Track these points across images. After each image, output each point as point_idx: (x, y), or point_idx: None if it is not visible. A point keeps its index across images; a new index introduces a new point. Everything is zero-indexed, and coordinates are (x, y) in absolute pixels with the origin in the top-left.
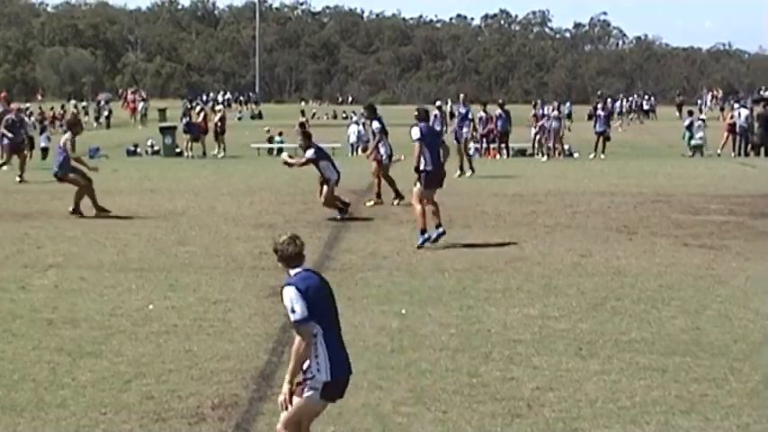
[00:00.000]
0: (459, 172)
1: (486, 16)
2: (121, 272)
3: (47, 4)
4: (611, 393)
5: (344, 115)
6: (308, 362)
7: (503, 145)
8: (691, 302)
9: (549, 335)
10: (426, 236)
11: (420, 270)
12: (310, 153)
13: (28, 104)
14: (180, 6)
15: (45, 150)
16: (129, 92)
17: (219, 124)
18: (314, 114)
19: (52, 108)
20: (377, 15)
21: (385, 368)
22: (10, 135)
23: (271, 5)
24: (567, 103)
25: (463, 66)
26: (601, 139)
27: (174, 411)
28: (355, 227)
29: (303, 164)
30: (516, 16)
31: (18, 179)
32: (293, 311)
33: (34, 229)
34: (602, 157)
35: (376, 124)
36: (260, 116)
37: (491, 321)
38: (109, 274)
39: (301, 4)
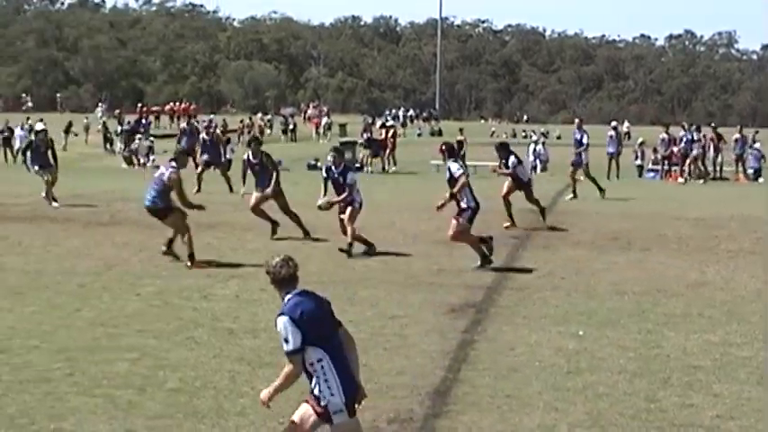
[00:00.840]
0: (571, 195)
1: (670, 36)
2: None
3: (233, 19)
4: None
5: (524, 134)
6: (318, 388)
7: (684, 168)
8: None
9: (730, 362)
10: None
11: (598, 291)
12: (352, 177)
13: (212, 115)
14: (363, 23)
15: (228, 162)
16: (310, 106)
17: (392, 140)
18: (493, 133)
19: (242, 120)
20: (559, 34)
21: (561, 390)
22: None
23: (452, 23)
24: None
25: (645, 86)
26: None
27: None
28: (532, 247)
29: (344, 199)
30: (702, 37)
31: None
32: (286, 341)
33: (217, 239)
34: None
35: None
36: (440, 133)
37: (670, 346)
38: None
39: (483, 21)
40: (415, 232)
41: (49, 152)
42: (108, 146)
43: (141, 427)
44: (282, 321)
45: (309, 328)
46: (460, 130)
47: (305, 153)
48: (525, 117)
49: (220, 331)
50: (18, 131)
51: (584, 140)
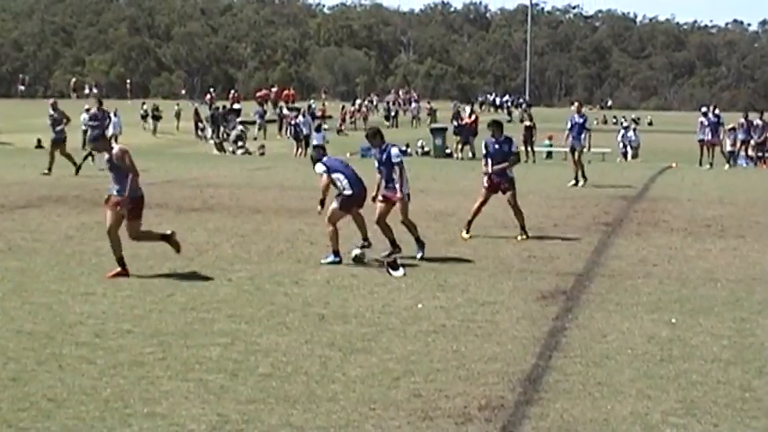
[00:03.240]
0: (573, 182)
1: (764, 22)
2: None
3: (323, 6)
4: None
5: (614, 120)
6: None
7: None
8: None
9: None
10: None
11: (691, 279)
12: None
13: (312, 101)
14: (452, 9)
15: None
16: (400, 93)
17: (474, 127)
18: None
19: (344, 107)
20: (650, 20)
21: (654, 377)
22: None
23: (543, 9)
24: None
25: (738, 72)
26: None
27: (441, 411)
28: (624, 233)
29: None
30: None
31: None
32: None
33: (308, 225)
34: None
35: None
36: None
37: (765, 335)
38: (379, 273)
39: (574, 7)
40: (503, 219)
41: None
42: (199, 132)
43: (233, 411)
44: None
45: None
46: (530, 116)
47: (397, 139)
48: (609, 103)
49: (311, 317)
50: (113, 118)
51: (587, 125)
